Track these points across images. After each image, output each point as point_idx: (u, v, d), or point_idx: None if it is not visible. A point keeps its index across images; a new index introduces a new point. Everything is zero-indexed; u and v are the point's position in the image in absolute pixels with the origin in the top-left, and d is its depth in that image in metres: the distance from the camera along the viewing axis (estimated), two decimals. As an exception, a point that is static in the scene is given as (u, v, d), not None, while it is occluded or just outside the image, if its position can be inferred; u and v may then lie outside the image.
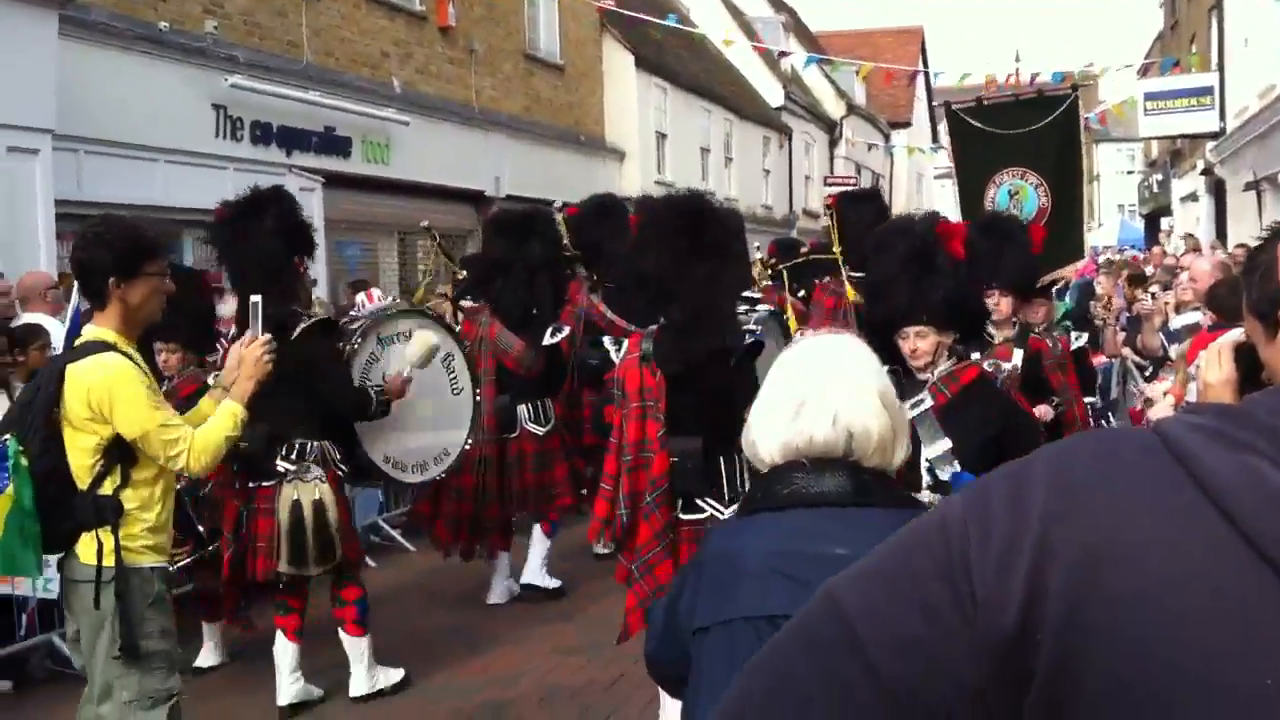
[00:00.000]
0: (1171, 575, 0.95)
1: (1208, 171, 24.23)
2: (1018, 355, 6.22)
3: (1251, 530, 0.92)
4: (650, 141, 25.16)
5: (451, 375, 7.11)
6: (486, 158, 18.89)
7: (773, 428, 2.25)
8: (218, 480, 6.16)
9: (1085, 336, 7.61)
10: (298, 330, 5.88)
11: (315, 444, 6.02)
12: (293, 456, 5.94)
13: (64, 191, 10.77)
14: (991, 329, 6.19)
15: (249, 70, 13.60)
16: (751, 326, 5.58)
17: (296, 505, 5.87)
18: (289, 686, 6.07)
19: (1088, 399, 7.03)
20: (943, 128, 9.19)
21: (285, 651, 6.09)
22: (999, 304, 6.20)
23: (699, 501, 5.22)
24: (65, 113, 10.51)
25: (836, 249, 7.43)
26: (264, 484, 5.95)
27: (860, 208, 8.13)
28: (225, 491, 6.21)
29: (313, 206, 14.64)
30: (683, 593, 2.37)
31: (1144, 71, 24.10)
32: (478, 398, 7.24)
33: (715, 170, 28.82)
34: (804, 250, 10.76)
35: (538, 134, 20.78)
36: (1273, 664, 0.89)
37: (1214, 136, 22.59)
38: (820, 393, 2.23)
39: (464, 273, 9.23)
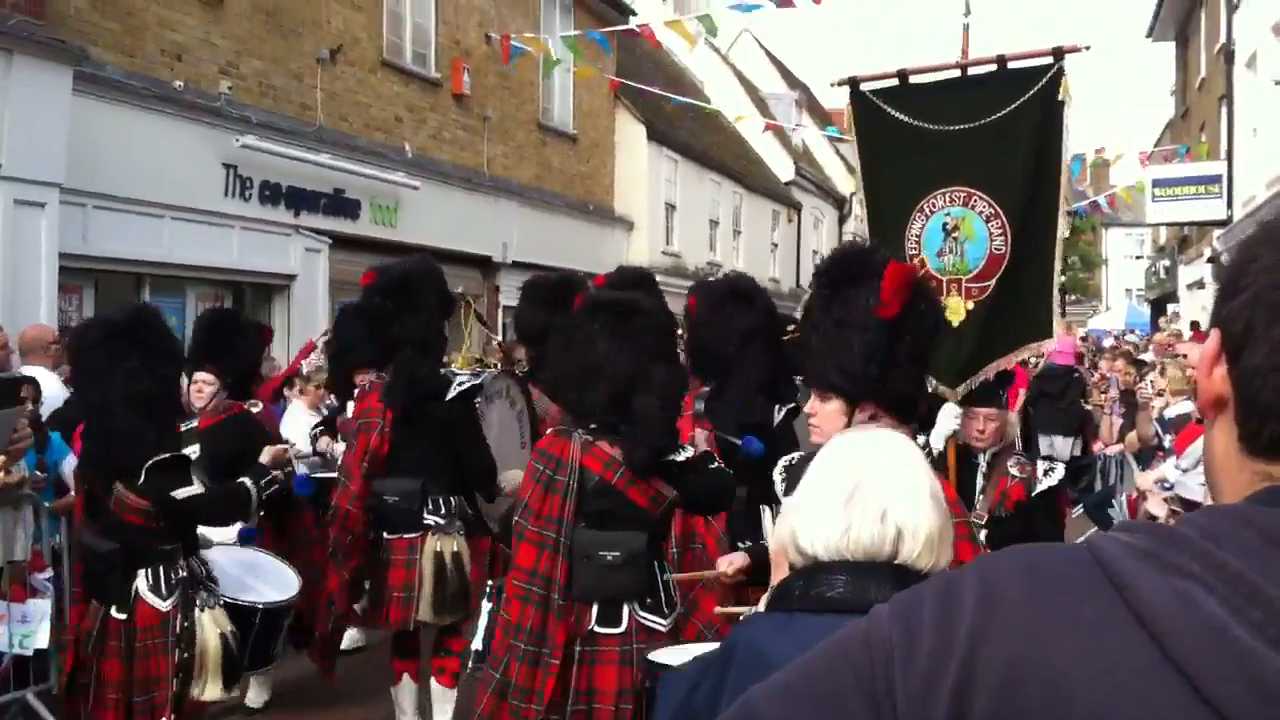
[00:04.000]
0: (1097, 701, 0.94)
1: (1214, 259, 24.25)
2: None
3: (1181, 658, 0.91)
4: (660, 212, 25.30)
5: (521, 433, 7.28)
6: (495, 223, 19.02)
7: (818, 519, 2.18)
8: (358, 531, 6.35)
9: (1059, 471, 5.59)
10: (451, 394, 6.27)
11: (455, 499, 6.35)
12: (442, 511, 6.26)
13: (69, 245, 10.85)
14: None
15: (261, 131, 13.74)
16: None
17: (439, 556, 6.18)
18: None
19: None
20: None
21: (407, 692, 6.51)
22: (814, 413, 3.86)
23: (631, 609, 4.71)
24: (75, 167, 10.61)
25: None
26: (404, 535, 6.24)
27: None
28: (358, 543, 6.38)
29: (319, 267, 14.76)
30: (703, 683, 2.30)
31: (1154, 158, 24.19)
32: None
33: (723, 242, 28.95)
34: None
35: (547, 202, 20.92)
36: None
37: (1221, 224, 22.64)
38: (870, 487, 2.17)
39: (499, 338, 9.26)
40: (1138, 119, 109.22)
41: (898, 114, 5.64)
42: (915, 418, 3.74)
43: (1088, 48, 5.21)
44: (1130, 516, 8.96)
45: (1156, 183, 22.46)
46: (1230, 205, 22.02)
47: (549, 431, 5.15)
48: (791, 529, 2.23)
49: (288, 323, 14.26)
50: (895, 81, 5.76)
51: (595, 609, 4.64)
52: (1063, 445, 11.09)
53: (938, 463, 5.10)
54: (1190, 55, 29.13)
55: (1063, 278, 5.70)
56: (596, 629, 4.62)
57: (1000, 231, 5.42)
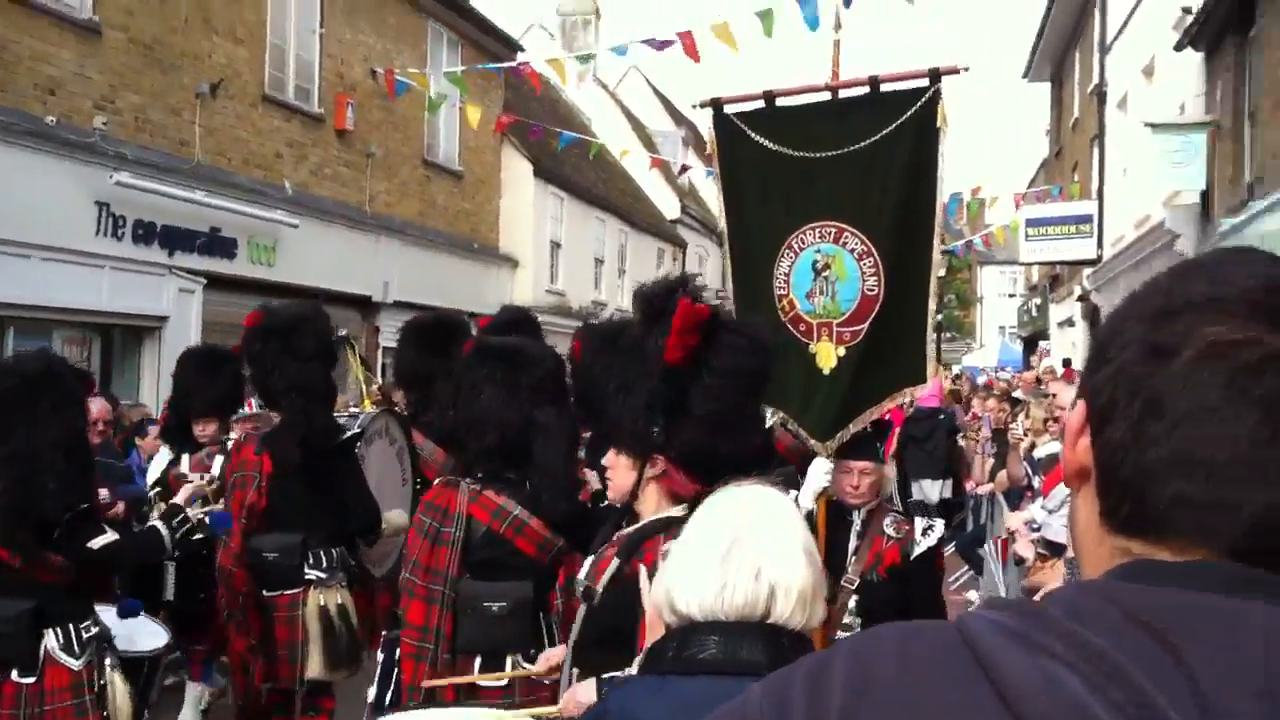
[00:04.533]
0: None
1: (1084, 298, 24.92)
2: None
3: None
4: (545, 250, 25.28)
5: (403, 471, 7.21)
6: (377, 262, 18.80)
7: (694, 579, 2.19)
8: (239, 591, 6.17)
9: (938, 530, 5.16)
10: (338, 443, 6.20)
11: (336, 550, 6.23)
12: (324, 564, 6.13)
13: (-69, 286, 10.46)
14: None
15: (136, 168, 13.40)
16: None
17: (325, 611, 6.04)
18: None
19: None
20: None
21: None
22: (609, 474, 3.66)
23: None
24: (-63, 206, 10.25)
25: None
26: (285, 592, 6.09)
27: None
28: (249, 602, 6.21)
29: (192, 309, 14.43)
30: None
31: (1028, 198, 24.82)
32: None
33: (608, 280, 29.02)
34: None
35: (430, 240, 20.76)
36: None
37: (1091, 263, 23.26)
38: (746, 544, 2.18)
39: (379, 381, 9.10)
40: (1013, 157, 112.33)
41: (763, 140, 5.19)
42: (719, 474, 3.12)
43: (966, 69, 4.86)
44: (1001, 557, 9.09)
45: (1030, 222, 23.04)
46: (1100, 245, 22.65)
47: (436, 483, 5.08)
48: (667, 589, 2.23)
49: (158, 366, 13.85)
50: (761, 104, 5.29)
51: (479, 661, 4.55)
52: (931, 489, 11.24)
53: (807, 521, 4.80)
54: (1065, 96, 30.03)
55: (939, 316, 5.48)
56: (479, 681, 4.52)
57: (873, 271, 4.98)
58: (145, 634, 6.22)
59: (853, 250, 5.02)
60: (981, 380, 21.43)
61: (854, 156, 4.95)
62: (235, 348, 7.68)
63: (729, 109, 5.34)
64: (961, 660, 0.98)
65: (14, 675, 4.84)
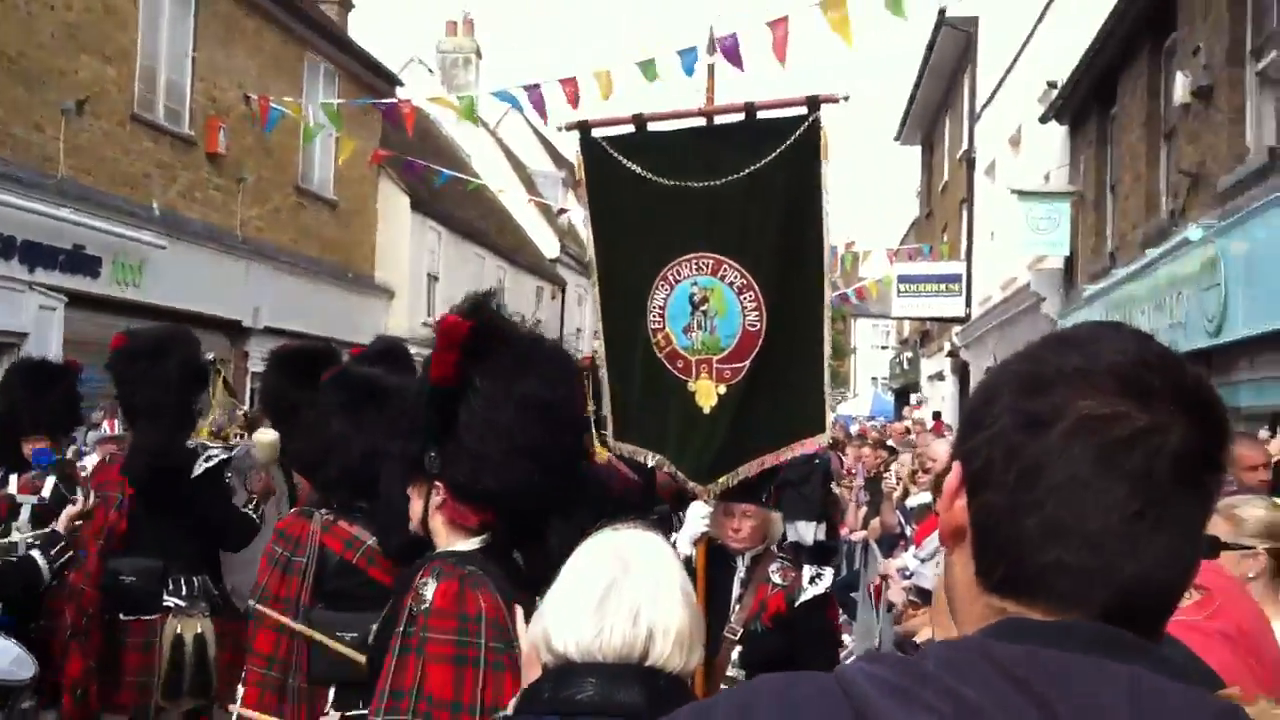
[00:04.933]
0: None
1: (953, 354, 25.52)
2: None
3: None
4: (421, 283, 25.09)
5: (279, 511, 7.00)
6: (247, 287, 18.41)
7: (571, 619, 2.16)
8: (87, 611, 5.96)
9: (827, 578, 4.85)
10: (198, 471, 6.02)
11: (199, 578, 6.06)
12: (184, 591, 5.96)
13: None
14: None
15: (-4, 181, 12.94)
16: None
17: (179, 639, 5.90)
18: None
19: None
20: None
21: None
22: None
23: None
24: None
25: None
26: (141, 617, 5.92)
27: None
28: (94, 623, 6.00)
29: (53, 326, 13.96)
30: None
31: (900, 254, 25.39)
32: None
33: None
34: None
35: (304, 267, 20.43)
36: None
37: (960, 321, 23.85)
38: (624, 586, 2.16)
39: (245, 408, 8.91)
40: (886, 215, 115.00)
41: (633, 166, 4.80)
42: (507, 507, 2.97)
43: (846, 98, 4.53)
44: (874, 602, 9.20)
45: (902, 278, 23.55)
46: (969, 303, 23.26)
47: (290, 513, 5.02)
48: (544, 629, 2.20)
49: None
50: (632, 127, 4.90)
51: (332, 692, 4.43)
52: (806, 530, 11.33)
53: (685, 567, 4.00)
54: (935, 159, 30.87)
55: (833, 363, 5.13)
56: (331, 712, 4.40)
57: (755, 305, 4.65)
58: (10, 661, 5.96)
59: (731, 283, 4.68)
60: (855, 429, 21.77)
61: (731, 186, 4.60)
62: (70, 362, 7.44)
63: (597, 132, 4.96)
64: (841, 712, 0.99)
65: None
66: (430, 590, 2.88)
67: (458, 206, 27.16)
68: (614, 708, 2.07)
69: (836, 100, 4.53)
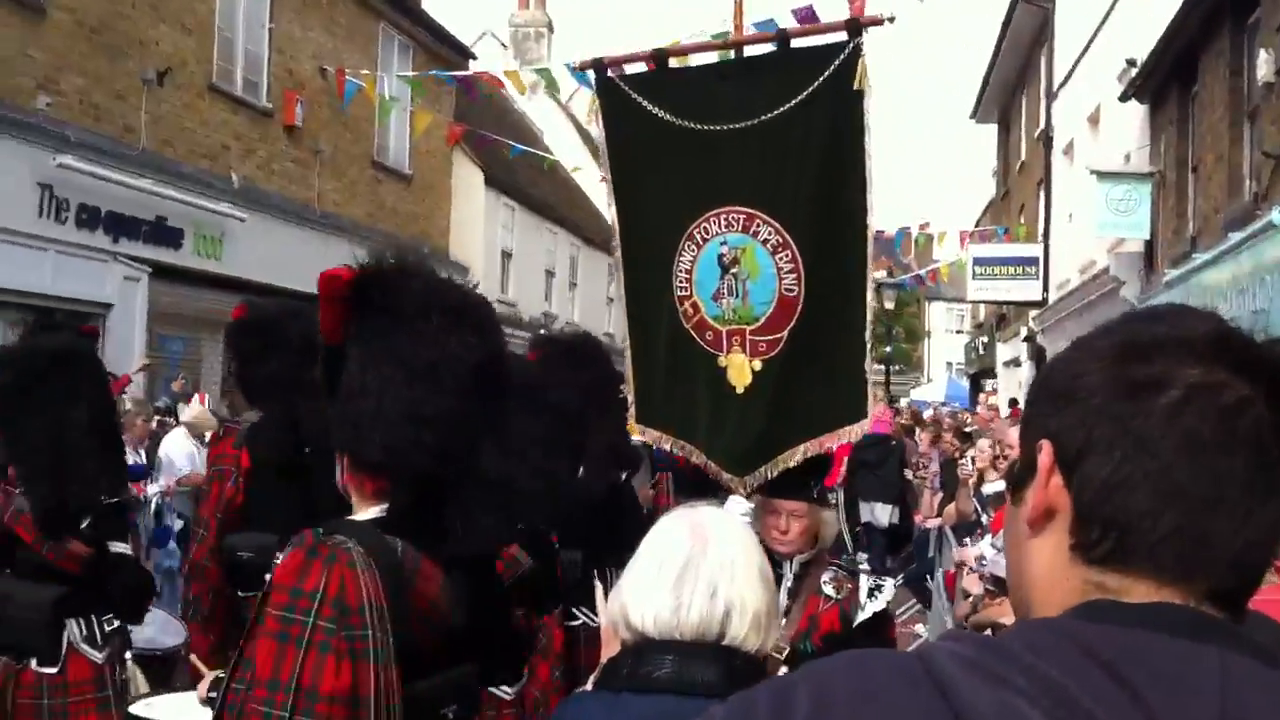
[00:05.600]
0: None
1: (1030, 338, 25.20)
2: None
3: None
4: (495, 259, 25.19)
5: None
6: (324, 261, 18.35)
7: (649, 596, 2.19)
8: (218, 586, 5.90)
9: (888, 591, 4.17)
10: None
11: None
12: None
13: None
14: None
15: (80, 151, 13.19)
16: None
17: None
18: None
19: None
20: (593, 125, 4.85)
21: None
22: None
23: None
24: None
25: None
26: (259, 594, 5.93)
27: None
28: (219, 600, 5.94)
29: (137, 297, 14.20)
30: None
31: (975, 237, 25.10)
32: None
33: (559, 293, 28.95)
34: None
35: (380, 241, 20.52)
36: None
37: (1037, 305, 23.53)
38: (701, 564, 2.18)
39: None
40: (961, 195, 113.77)
41: (656, 109, 4.28)
42: (390, 475, 2.75)
43: (891, 19, 4.02)
44: (948, 591, 9.13)
45: (977, 261, 23.29)
46: (1046, 287, 22.94)
47: None
48: (623, 605, 2.23)
49: (102, 353, 13.60)
50: (652, 65, 4.42)
51: None
52: (883, 513, 11.29)
53: None
54: (1012, 139, 30.43)
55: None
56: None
57: (791, 267, 4.06)
58: (155, 629, 6.06)
59: (765, 241, 4.10)
60: (928, 414, 21.59)
61: (763, 129, 4.07)
62: (88, 328, 7.41)
63: (614, 72, 4.45)
64: (922, 689, 0.99)
65: (33, 664, 4.70)
66: (279, 560, 2.76)
67: (531, 183, 27.20)
68: (690, 686, 2.08)
69: (880, 22, 4.03)
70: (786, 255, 4.07)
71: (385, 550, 2.61)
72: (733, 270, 4.17)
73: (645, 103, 4.31)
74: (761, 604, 2.20)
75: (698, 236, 4.24)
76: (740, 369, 4.21)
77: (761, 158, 4.10)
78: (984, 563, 6.39)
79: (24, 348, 4.85)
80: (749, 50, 4.33)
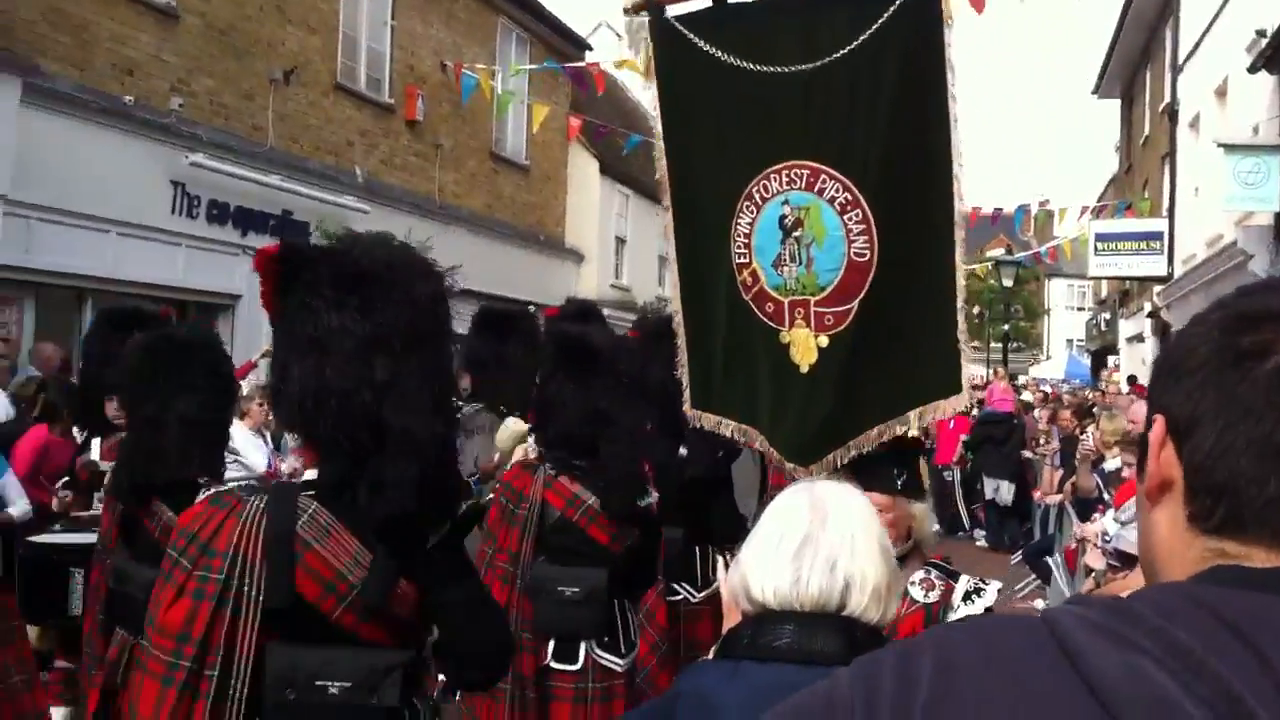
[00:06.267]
0: None
1: (1154, 315, 24.60)
2: None
3: None
4: (610, 246, 25.34)
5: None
6: (444, 251, 18.41)
7: (769, 568, 2.19)
8: None
9: (990, 594, 3.27)
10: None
11: None
12: None
13: (10, 256, 10.71)
14: None
15: (210, 149, 13.64)
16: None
17: None
18: None
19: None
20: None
21: None
22: None
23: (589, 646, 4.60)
24: (20, 178, 10.48)
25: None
26: None
27: None
28: None
29: (264, 289, 14.59)
30: None
31: (1097, 212, 24.55)
32: None
33: (673, 279, 28.95)
34: None
35: (498, 231, 20.88)
36: None
37: (1162, 280, 22.96)
38: (821, 537, 2.19)
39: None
40: (1081, 172, 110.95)
41: (715, 50, 3.77)
42: (318, 448, 2.70)
43: None
44: (1069, 566, 9.03)
45: (1099, 237, 22.75)
46: (1171, 263, 22.34)
47: (513, 464, 5.14)
48: (743, 576, 2.23)
49: (232, 342, 14.07)
50: (710, 3, 3.93)
51: (551, 644, 4.56)
52: (1007, 491, 11.15)
53: None
54: (1135, 113, 29.66)
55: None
56: (552, 664, 4.53)
57: (862, 228, 3.55)
58: None
59: (832, 200, 3.60)
60: (1046, 389, 21.19)
61: (830, 70, 3.55)
62: (163, 311, 7.36)
63: (672, 11, 3.95)
64: (1048, 652, 0.99)
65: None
66: None
67: (644, 171, 27.18)
68: (810, 655, 2.08)
69: None
70: (857, 214, 3.56)
71: (284, 512, 2.59)
72: (795, 234, 3.69)
73: (701, 42, 3.83)
74: (882, 577, 2.19)
75: (757, 196, 3.77)
76: (805, 345, 3.74)
77: (827, 103, 3.62)
78: (1108, 538, 6.33)
79: (155, 335, 5.00)
80: None
